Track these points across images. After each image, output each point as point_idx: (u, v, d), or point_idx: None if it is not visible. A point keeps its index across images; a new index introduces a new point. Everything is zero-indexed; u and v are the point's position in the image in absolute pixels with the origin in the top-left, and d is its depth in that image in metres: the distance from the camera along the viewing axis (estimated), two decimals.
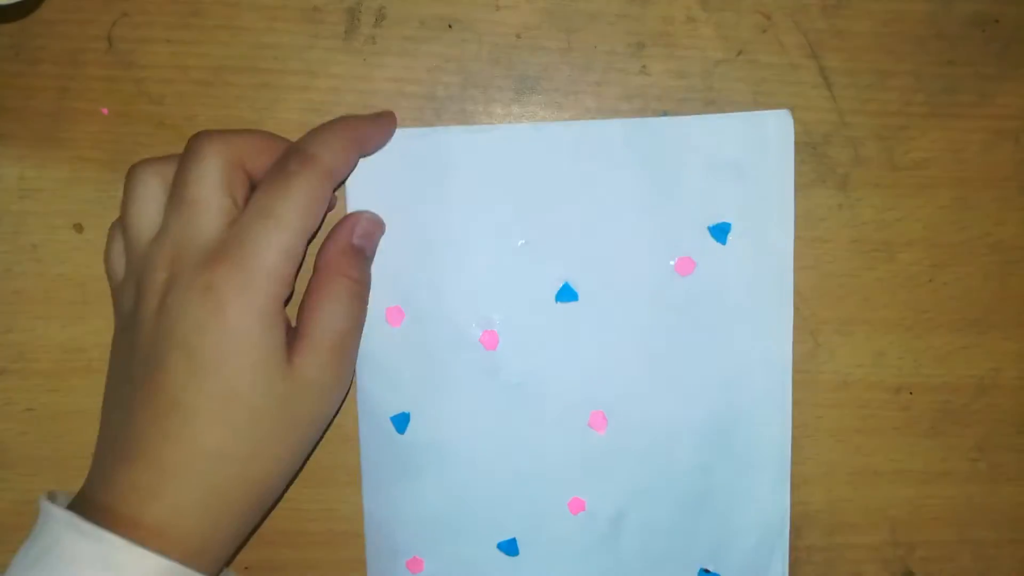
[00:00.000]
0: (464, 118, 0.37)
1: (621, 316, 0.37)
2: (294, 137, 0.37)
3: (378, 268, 0.36)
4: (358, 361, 0.36)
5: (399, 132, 0.36)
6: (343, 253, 0.34)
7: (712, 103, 0.37)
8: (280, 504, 0.38)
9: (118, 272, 0.34)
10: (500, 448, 0.37)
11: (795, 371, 0.38)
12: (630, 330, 0.37)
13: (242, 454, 0.31)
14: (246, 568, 0.38)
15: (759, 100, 0.37)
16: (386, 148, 0.36)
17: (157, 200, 0.33)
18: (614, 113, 0.37)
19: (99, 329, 0.37)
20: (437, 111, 0.37)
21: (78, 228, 0.37)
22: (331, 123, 0.34)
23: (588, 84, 0.37)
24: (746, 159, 0.36)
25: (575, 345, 0.37)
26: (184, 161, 0.32)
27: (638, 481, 0.37)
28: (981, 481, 0.39)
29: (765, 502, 0.37)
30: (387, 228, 0.37)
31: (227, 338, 0.30)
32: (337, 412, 0.35)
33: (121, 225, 0.33)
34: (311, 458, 0.37)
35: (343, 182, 0.36)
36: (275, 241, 0.31)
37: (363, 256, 0.35)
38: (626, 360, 0.37)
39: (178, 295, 0.31)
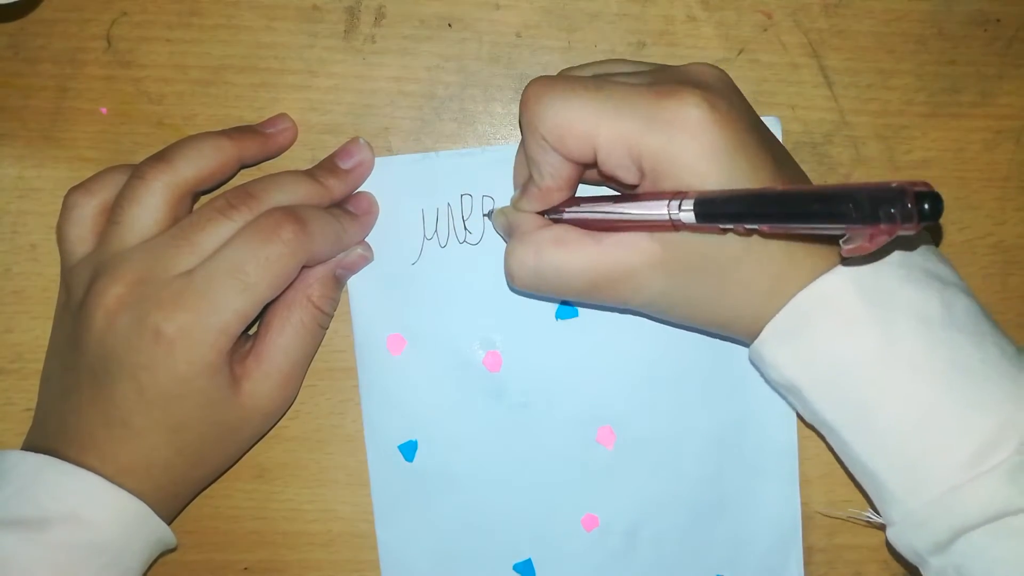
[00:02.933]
0: (464, 117, 0.37)
1: (621, 330, 0.36)
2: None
3: (377, 297, 0.36)
4: (362, 391, 0.37)
5: (391, 159, 0.36)
6: (321, 282, 0.35)
7: None
8: (279, 504, 0.38)
9: (76, 251, 0.33)
10: (510, 470, 0.37)
11: None
12: (631, 344, 0.37)
13: (187, 464, 0.33)
14: (245, 569, 0.38)
15: (760, 99, 0.37)
16: (378, 176, 0.36)
17: (95, 217, 0.33)
18: None
19: None
20: (437, 110, 0.37)
21: None
22: (336, 211, 0.34)
23: None
24: None
25: (578, 362, 0.37)
26: (128, 188, 0.32)
27: (650, 493, 0.37)
28: None
29: (776, 504, 0.37)
30: (382, 255, 0.36)
31: (176, 383, 0.31)
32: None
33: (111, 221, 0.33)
34: (311, 459, 0.37)
35: None
36: (239, 306, 0.31)
37: (339, 285, 0.36)
38: (630, 374, 0.37)
39: (131, 326, 0.31)
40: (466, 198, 0.36)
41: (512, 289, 0.34)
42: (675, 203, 0.28)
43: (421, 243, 0.36)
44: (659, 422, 0.37)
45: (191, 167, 0.32)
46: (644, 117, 0.28)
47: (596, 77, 0.31)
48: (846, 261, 0.28)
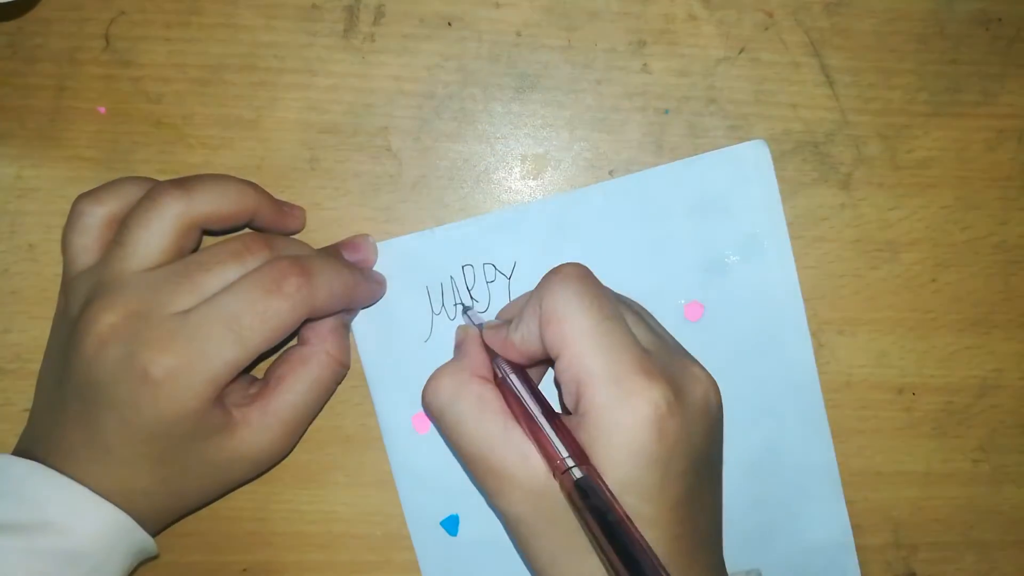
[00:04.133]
0: (464, 116, 0.37)
1: None
2: (293, 136, 0.36)
3: (395, 379, 0.37)
4: (396, 474, 0.37)
5: (392, 242, 0.36)
6: (335, 333, 0.34)
7: (713, 101, 0.37)
8: (278, 506, 0.37)
9: (79, 261, 0.33)
10: None
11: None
12: None
13: (169, 494, 0.33)
14: (244, 570, 0.38)
15: (761, 99, 0.36)
16: (382, 258, 0.36)
17: (100, 230, 0.33)
18: (615, 111, 0.37)
19: None
20: (436, 109, 0.37)
21: None
22: (346, 268, 0.34)
23: (589, 82, 0.37)
24: (731, 193, 0.36)
25: None
26: (139, 209, 0.31)
27: None
28: (984, 482, 0.38)
29: (826, 521, 0.37)
30: (395, 337, 0.36)
31: (159, 424, 0.30)
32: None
33: (116, 241, 0.32)
34: (310, 459, 0.37)
35: None
36: (230, 357, 0.30)
37: (348, 331, 0.36)
38: None
39: (119, 360, 0.30)
40: (468, 268, 0.36)
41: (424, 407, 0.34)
42: (572, 462, 0.27)
43: (431, 319, 0.37)
44: None
45: (209, 203, 0.32)
46: (613, 379, 0.28)
47: (618, 312, 0.30)
48: None
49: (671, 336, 0.33)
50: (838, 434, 0.38)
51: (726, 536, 0.36)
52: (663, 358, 0.30)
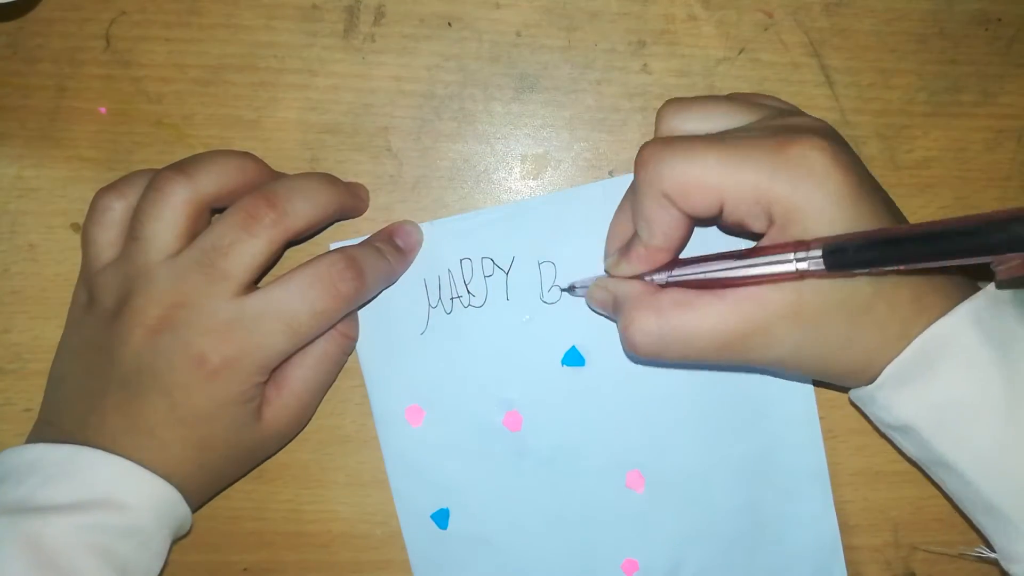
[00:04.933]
0: (463, 116, 0.37)
1: (632, 373, 0.36)
2: (293, 136, 0.36)
3: (391, 370, 0.37)
4: (388, 465, 0.37)
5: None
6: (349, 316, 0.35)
7: None
8: (279, 505, 0.38)
9: (103, 255, 0.33)
10: (545, 525, 0.37)
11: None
12: (646, 385, 0.36)
13: (206, 478, 0.34)
14: (244, 570, 0.38)
15: None
16: None
17: (122, 225, 0.33)
18: (615, 111, 0.37)
19: None
20: (436, 109, 0.37)
21: (75, 228, 0.37)
22: (385, 248, 0.35)
23: (589, 82, 0.37)
24: None
25: (596, 409, 0.37)
26: (148, 201, 0.32)
27: (686, 531, 0.37)
28: None
29: (815, 524, 0.37)
30: (392, 328, 0.37)
31: (210, 404, 0.32)
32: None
33: (130, 229, 0.33)
34: (310, 459, 0.37)
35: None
36: (283, 347, 0.32)
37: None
38: (649, 415, 0.37)
39: (173, 346, 0.31)
40: (466, 262, 0.36)
41: (631, 358, 0.35)
42: (801, 253, 0.28)
43: (427, 312, 0.36)
44: (686, 459, 0.37)
45: (212, 182, 0.32)
46: (769, 166, 0.28)
47: (712, 135, 0.31)
48: (1000, 284, 0.29)
49: (752, 108, 0.33)
50: (838, 434, 0.38)
51: (713, 544, 0.36)
52: (779, 125, 0.30)
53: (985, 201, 0.37)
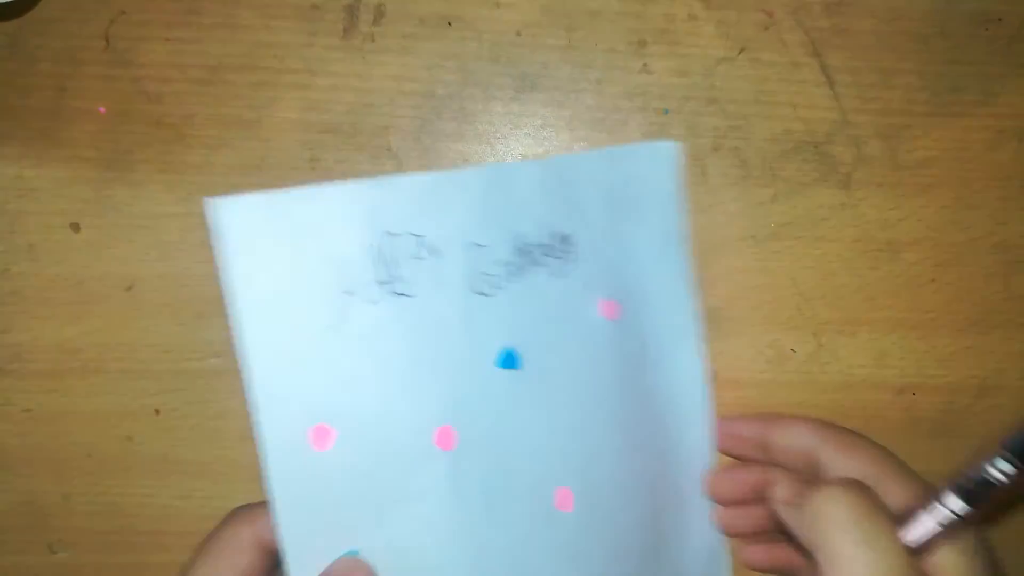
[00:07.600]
0: (463, 116, 0.37)
1: (568, 383, 0.33)
2: (293, 136, 0.37)
3: (288, 382, 0.29)
4: (277, 505, 0.29)
5: (286, 194, 0.29)
6: None
7: (714, 101, 0.37)
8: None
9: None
10: (474, 556, 0.31)
11: (797, 372, 0.37)
12: (579, 390, 0.34)
13: None
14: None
15: (761, 99, 0.36)
16: (269, 216, 0.28)
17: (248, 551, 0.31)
18: (615, 111, 0.37)
19: (96, 329, 0.37)
20: (436, 109, 0.37)
21: (75, 228, 0.37)
22: None
23: (589, 82, 0.37)
24: (639, 191, 0.36)
25: (530, 419, 0.32)
26: (212, 545, 0.31)
27: (612, 551, 0.35)
28: None
29: (701, 536, 0.37)
30: (288, 326, 0.29)
31: None
32: None
33: None
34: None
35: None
36: None
37: None
38: (581, 423, 0.34)
39: None
40: (389, 239, 0.30)
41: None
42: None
43: (340, 301, 0.29)
44: (612, 473, 0.35)
45: None
46: None
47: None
48: None
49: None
50: None
51: (626, 561, 0.35)
52: None
53: (986, 200, 0.37)
